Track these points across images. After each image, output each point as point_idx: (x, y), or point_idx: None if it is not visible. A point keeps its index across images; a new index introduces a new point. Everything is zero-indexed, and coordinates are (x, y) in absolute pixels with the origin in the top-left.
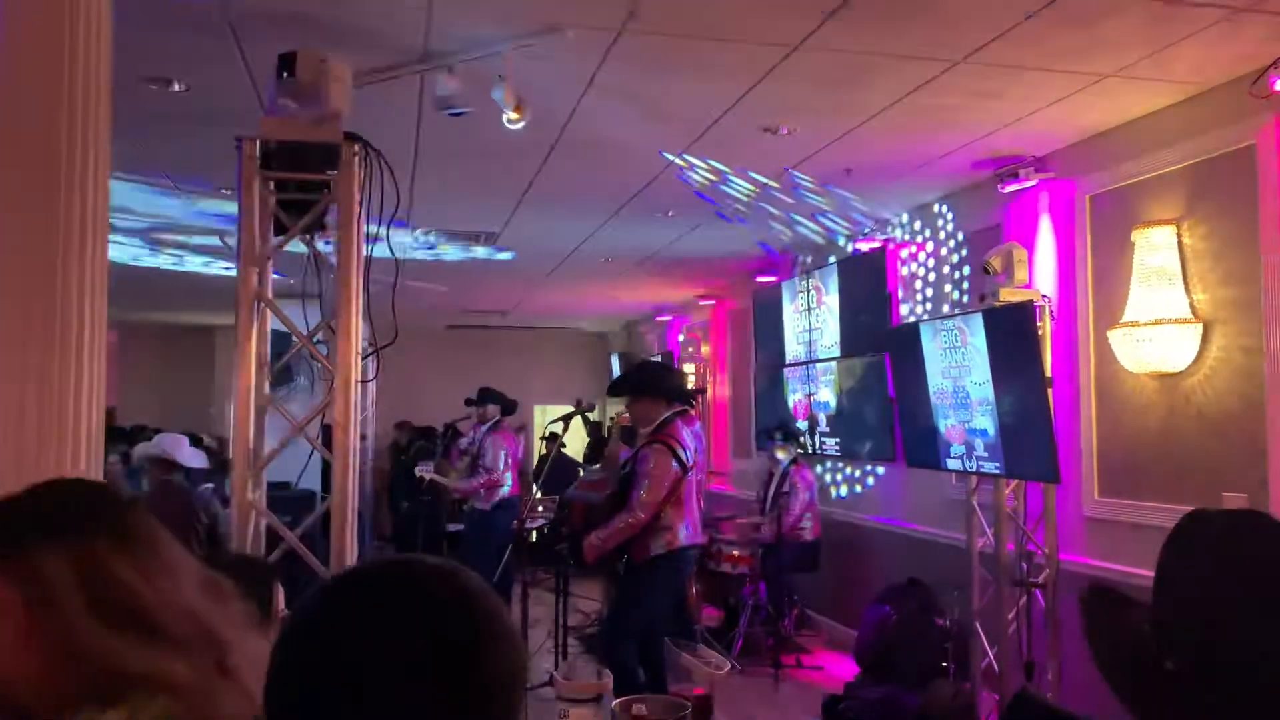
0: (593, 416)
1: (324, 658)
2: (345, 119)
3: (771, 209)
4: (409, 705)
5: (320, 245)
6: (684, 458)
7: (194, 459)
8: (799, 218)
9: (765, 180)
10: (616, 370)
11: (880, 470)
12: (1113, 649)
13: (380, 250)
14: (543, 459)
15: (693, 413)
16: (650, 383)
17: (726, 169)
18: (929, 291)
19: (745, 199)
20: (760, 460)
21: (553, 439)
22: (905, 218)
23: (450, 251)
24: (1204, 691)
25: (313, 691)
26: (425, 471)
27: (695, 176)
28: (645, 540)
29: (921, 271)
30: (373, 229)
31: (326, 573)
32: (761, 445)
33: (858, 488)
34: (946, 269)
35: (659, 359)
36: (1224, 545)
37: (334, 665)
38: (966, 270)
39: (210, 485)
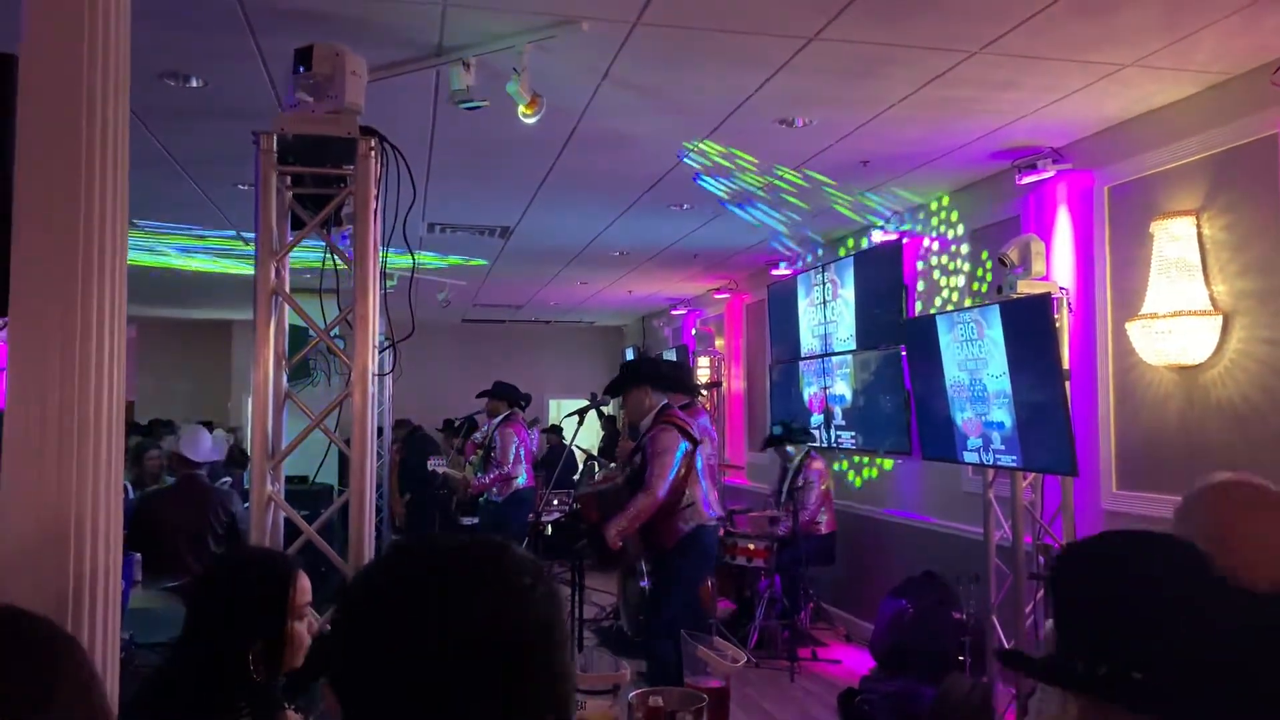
0: (608, 411)
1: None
2: (361, 113)
3: (785, 201)
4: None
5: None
6: (691, 433)
7: (212, 452)
8: (814, 210)
9: (781, 173)
10: None
11: (896, 463)
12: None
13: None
14: (552, 452)
15: (699, 405)
16: (631, 374)
17: (734, 159)
18: (945, 284)
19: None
20: (774, 454)
21: (554, 432)
22: (921, 209)
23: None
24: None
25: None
26: (437, 466)
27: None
28: (673, 522)
29: (938, 264)
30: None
31: (345, 565)
32: (777, 444)
33: (873, 481)
34: (963, 261)
35: (674, 354)
36: (1108, 568)
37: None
38: (984, 262)
39: (229, 479)
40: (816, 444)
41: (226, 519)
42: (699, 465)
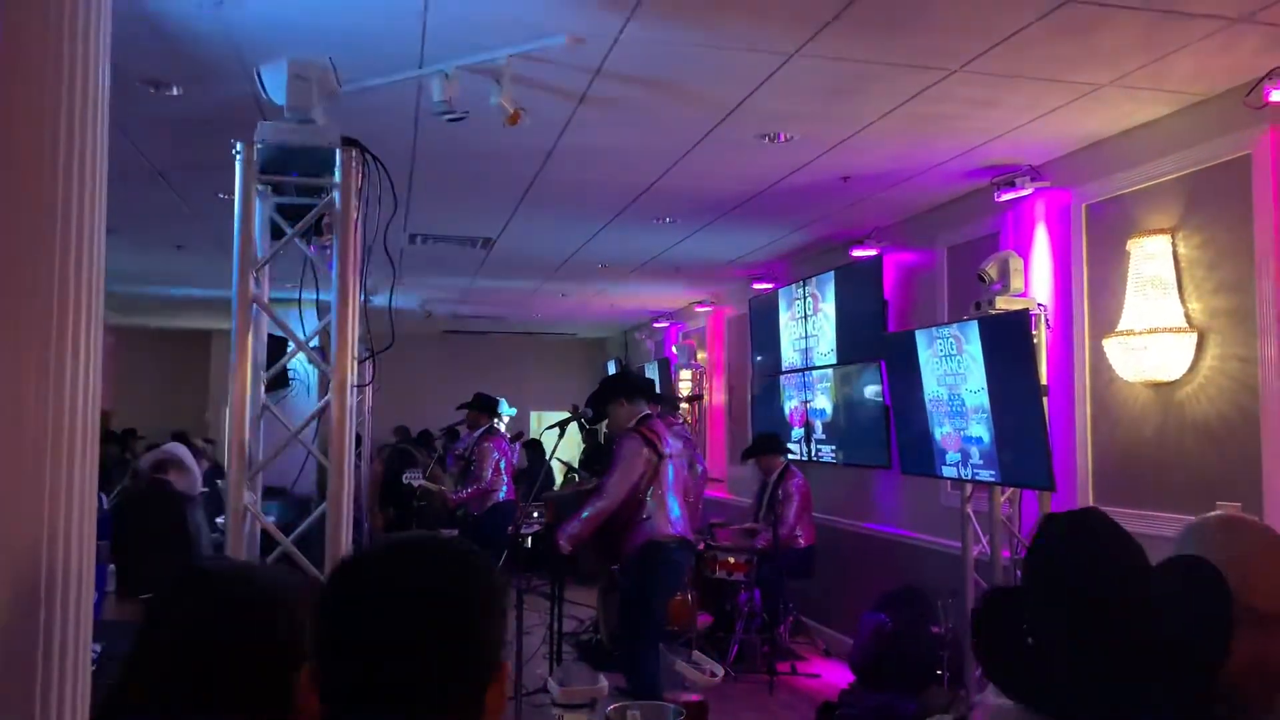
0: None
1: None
2: (343, 124)
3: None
4: None
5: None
6: (658, 445)
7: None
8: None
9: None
10: None
11: (876, 477)
12: (990, 634)
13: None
14: (532, 464)
15: (675, 418)
16: (606, 393)
17: None
18: (925, 299)
19: None
20: (754, 467)
21: (533, 445)
22: (901, 225)
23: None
24: (1057, 661)
25: None
26: (413, 479)
27: None
28: (629, 534)
29: (917, 279)
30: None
31: (321, 576)
32: (755, 457)
33: (853, 495)
34: (942, 277)
35: (655, 368)
36: (1058, 542)
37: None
38: (962, 278)
39: (205, 489)
40: (795, 457)
41: (191, 529)
42: (668, 479)
